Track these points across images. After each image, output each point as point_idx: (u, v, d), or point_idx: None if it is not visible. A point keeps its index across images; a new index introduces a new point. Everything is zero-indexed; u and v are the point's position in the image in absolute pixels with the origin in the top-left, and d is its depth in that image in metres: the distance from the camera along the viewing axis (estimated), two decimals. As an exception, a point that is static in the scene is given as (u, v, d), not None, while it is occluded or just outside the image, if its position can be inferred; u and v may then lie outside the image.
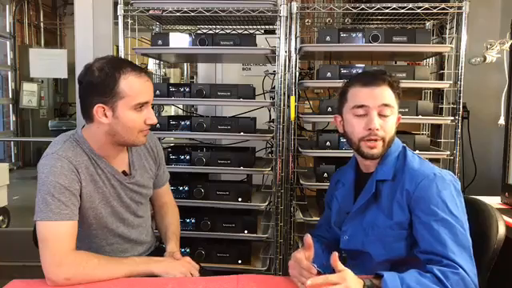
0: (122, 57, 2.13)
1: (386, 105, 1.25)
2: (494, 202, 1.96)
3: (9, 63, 6.70)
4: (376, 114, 1.24)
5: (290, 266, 1.23)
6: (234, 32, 2.55)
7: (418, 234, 1.18)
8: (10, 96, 6.74)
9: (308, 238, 1.18)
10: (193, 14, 2.12)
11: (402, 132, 2.22)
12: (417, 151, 1.99)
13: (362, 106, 1.26)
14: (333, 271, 1.07)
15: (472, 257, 1.12)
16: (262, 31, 2.56)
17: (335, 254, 1.05)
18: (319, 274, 1.16)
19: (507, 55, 2.19)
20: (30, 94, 5.93)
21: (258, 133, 2.22)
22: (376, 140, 1.25)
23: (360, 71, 2.10)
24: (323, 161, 2.15)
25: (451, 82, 2.12)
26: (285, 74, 2.12)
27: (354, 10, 2.10)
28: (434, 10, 2.04)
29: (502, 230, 1.25)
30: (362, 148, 1.27)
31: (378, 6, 2.06)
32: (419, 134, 2.40)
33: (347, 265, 1.35)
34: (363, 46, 2.09)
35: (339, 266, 1.06)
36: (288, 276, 1.25)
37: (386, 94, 1.26)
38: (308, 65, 3.04)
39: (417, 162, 1.26)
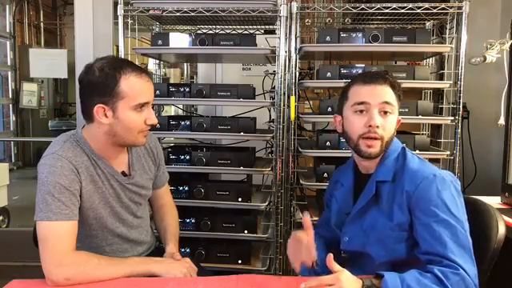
0: (122, 57, 2.13)
1: (386, 102, 1.25)
2: (493, 201, 1.96)
3: (9, 63, 6.70)
4: (377, 112, 1.24)
5: (290, 246, 1.24)
6: (234, 32, 2.55)
7: (418, 234, 1.18)
8: (10, 96, 6.74)
9: (306, 218, 1.19)
10: (193, 14, 2.12)
11: (402, 132, 2.22)
12: (417, 151, 2.00)
13: (362, 103, 1.25)
14: (330, 271, 1.08)
15: (473, 257, 1.12)
16: (262, 31, 2.56)
17: (330, 256, 1.06)
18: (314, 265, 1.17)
19: (507, 55, 2.18)
20: (30, 94, 5.93)
21: (257, 133, 2.22)
22: (375, 138, 1.24)
23: (360, 71, 2.11)
24: (323, 161, 2.15)
25: (451, 82, 2.12)
26: (285, 74, 2.12)
27: (354, 10, 2.10)
28: (434, 10, 2.04)
29: (502, 230, 1.25)
30: (360, 146, 1.26)
31: (378, 6, 2.06)
32: (419, 134, 2.40)
33: (348, 265, 1.36)
34: (363, 46, 2.09)
35: (335, 266, 1.06)
36: (288, 276, 1.26)
37: (387, 92, 1.26)
38: (308, 65, 3.03)
39: (416, 162, 1.26)
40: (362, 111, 1.26)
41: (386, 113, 1.25)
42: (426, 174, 1.20)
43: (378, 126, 1.23)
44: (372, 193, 1.27)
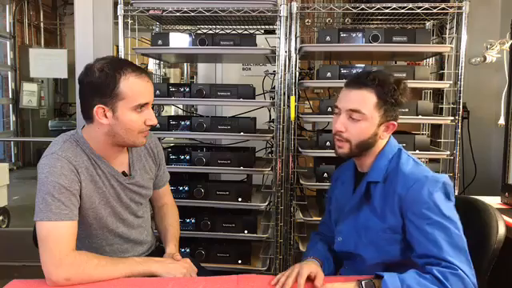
0: (122, 57, 2.13)
1: (352, 110, 1.24)
2: (493, 201, 1.97)
3: (9, 63, 6.70)
4: (345, 116, 1.26)
5: None
6: (234, 32, 2.55)
7: (412, 238, 1.18)
8: (10, 96, 6.74)
9: None
10: (193, 14, 2.12)
11: (402, 132, 2.22)
12: (417, 151, 2.00)
13: (336, 106, 1.30)
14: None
15: (468, 258, 1.12)
16: (262, 31, 2.56)
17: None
18: None
19: (507, 55, 2.19)
20: (30, 94, 5.93)
21: (257, 133, 2.22)
22: (341, 140, 1.27)
23: (360, 71, 2.11)
24: (323, 161, 2.15)
25: (451, 82, 2.12)
26: (285, 74, 2.12)
27: (354, 10, 2.10)
28: (434, 10, 2.04)
29: (501, 230, 1.25)
30: (335, 146, 1.31)
31: (378, 6, 2.06)
32: (419, 134, 2.40)
33: (343, 267, 1.37)
34: (363, 46, 2.09)
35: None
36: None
37: (359, 98, 1.24)
38: (308, 65, 3.03)
39: (410, 165, 1.24)
40: (337, 113, 1.29)
41: (353, 118, 1.25)
42: (417, 177, 1.19)
43: (340, 131, 1.26)
44: (361, 192, 1.28)
